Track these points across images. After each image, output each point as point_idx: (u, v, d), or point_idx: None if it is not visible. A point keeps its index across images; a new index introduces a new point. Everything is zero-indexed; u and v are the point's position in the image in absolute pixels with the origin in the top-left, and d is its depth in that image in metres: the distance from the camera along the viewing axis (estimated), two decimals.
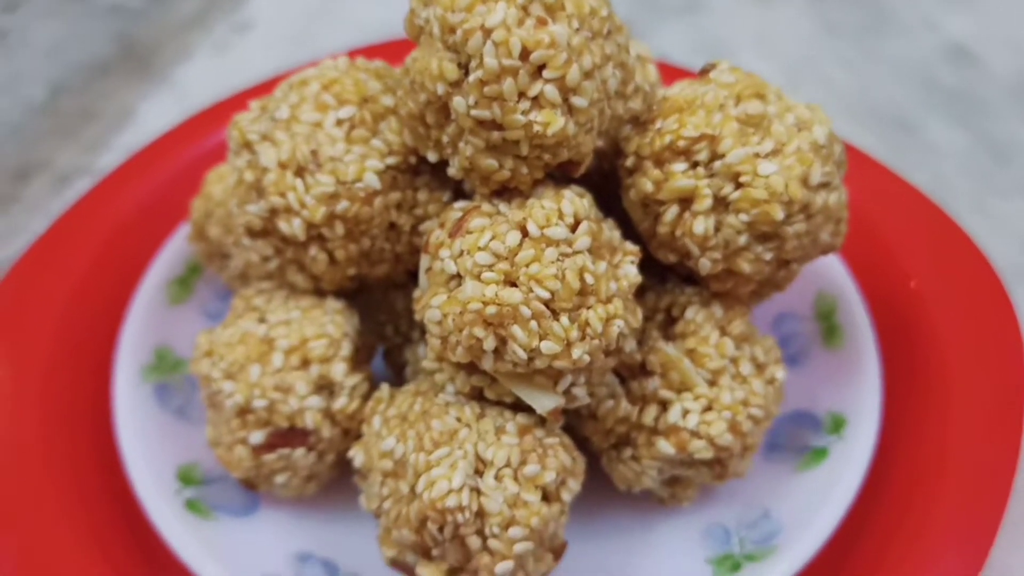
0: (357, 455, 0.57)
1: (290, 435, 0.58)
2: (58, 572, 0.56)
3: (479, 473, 0.53)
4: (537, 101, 0.50)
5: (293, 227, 0.55)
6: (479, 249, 0.50)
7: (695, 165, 0.54)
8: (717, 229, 0.54)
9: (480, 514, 0.52)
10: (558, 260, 0.50)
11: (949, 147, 0.93)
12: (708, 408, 0.56)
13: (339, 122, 0.56)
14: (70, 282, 0.71)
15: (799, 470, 0.63)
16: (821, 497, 0.60)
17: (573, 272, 0.50)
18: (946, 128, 0.95)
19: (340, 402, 0.58)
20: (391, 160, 0.56)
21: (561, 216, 0.52)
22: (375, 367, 0.64)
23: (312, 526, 0.62)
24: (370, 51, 0.65)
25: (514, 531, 0.52)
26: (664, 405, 0.57)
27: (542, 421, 0.55)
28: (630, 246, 0.55)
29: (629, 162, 0.56)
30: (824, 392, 0.67)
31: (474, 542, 0.52)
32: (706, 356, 0.57)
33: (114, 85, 1.00)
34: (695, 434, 0.56)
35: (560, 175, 0.55)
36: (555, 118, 0.50)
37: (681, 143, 0.54)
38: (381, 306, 0.64)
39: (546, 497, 0.53)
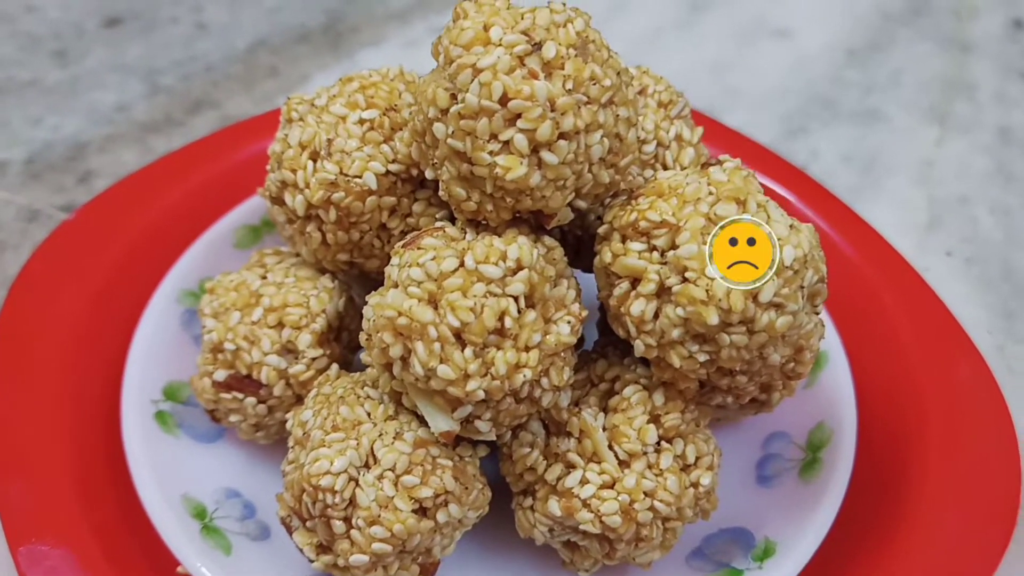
0: (290, 418, 0.61)
1: (246, 382, 0.64)
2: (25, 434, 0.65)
3: (367, 467, 0.56)
4: (507, 146, 0.53)
5: (295, 202, 0.61)
6: (417, 265, 0.54)
7: (652, 249, 0.55)
8: (656, 316, 0.55)
9: (352, 504, 0.56)
10: (484, 296, 0.53)
11: None
12: (609, 486, 0.57)
13: (361, 121, 0.61)
14: (164, 204, 0.80)
15: None
16: None
17: (491, 311, 0.52)
18: None
19: (297, 368, 0.63)
20: (394, 167, 0.60)
21: (504, 258, 0.54)
22: None
23: (252, 471, 0.67)
24: None
25: (376, 529, 0.55)
26: (570, 468, 0.58)
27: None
28: (577, 308, 0.56)
29: (603, 230, 0.58)
30: (772, 519, 0.64)
31: (339, 527, 0.56)
32: (624, 436, 0.57)
33: (305, 52, 1.11)
34: (586, 504, 0.57)
35: (536, 223, 0.58)
36: (517, 165, 0.52)
37: (643, 224, 0.55)
38: None
39: (422, 511, 0.56)
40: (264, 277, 0.66)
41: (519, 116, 0.52)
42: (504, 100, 0.52)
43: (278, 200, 0.63)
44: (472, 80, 0.52)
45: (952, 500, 0.64)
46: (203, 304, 0.66)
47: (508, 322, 0.53)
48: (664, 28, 1.18)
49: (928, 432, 0.68)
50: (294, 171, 0.61)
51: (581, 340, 0.63)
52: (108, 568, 0.59)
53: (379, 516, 0.55)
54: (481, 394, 0.53)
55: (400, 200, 0.61)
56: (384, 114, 0.61)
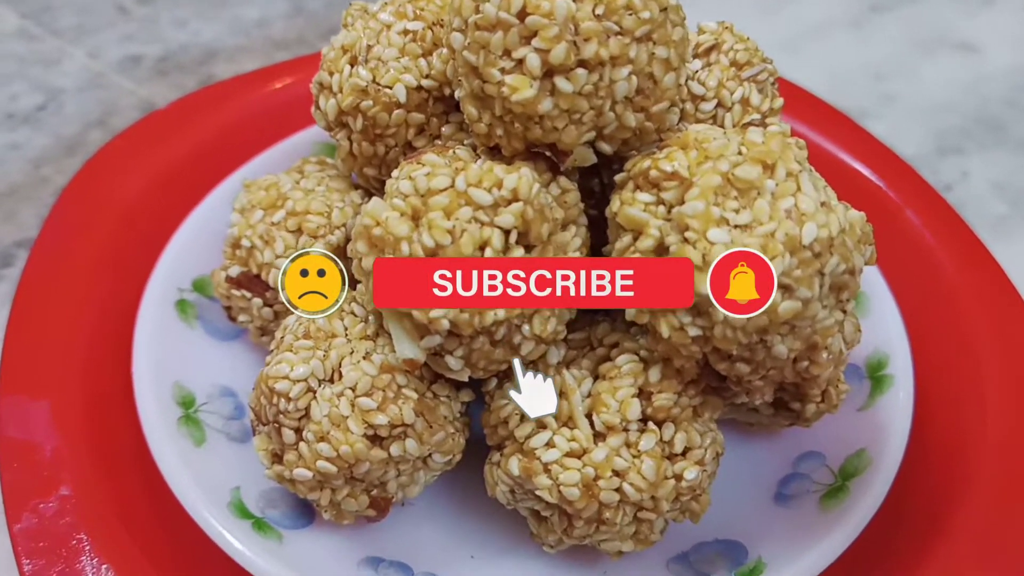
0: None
1: (255, 282, 0.63)
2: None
3: (331, 382, 0.54)
4: (520, 66, 0.49)
5: (327, 105, 0.59)
6: (408, 178, 0.51)
7: (660, 203, 0.49)
8: None
9: (307, 415, 0.53)
10: (468, 221, 0.49)
11: None
12: (576, 455, 0.52)
13: (404, 32, 0.58)
14: (249, 111, 0.81)
15: None
16: None
17: (470, 238, 0.49)
18: None
19: None
20: (427, 83, 0.57)
21: (499, 185, 0.50)
22: None
23: (255, 375, 0.66)
24: None
25: (323, 447, 0.52)
26: (541, 428, 0.53)
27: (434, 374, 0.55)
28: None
29: (620, 177, 0.53)
30: (774, 540, 0.57)
31: (289, 436, 0.54)
32: (604, 406, 0.52)
33: None
34: (546, 469, 0.52)
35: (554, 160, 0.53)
36: (525, 87, 0.48)
37: (654, 173, 0.49)
38: None
39: (376, 438, 0.53)
40: (298, 182, 0.65)
41: (535, 34, 0.48)
42: (523, 15, 0.48)
43: (316, 103, 0.62)
44: None
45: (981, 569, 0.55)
46: (236, 199, 0.66)
47: (488, 253, 0.49)
48: (834, 23, 1.09)
49: (976, 492, 0.59)
50: (331, 73, 0.59)
51: None
52: (83, 425, 0.59)
53: (328, 433, 0.52)
54: (446, 324, 0.49)
55: (430, 119, 0.58)
56: (429, 27, 0.58)
